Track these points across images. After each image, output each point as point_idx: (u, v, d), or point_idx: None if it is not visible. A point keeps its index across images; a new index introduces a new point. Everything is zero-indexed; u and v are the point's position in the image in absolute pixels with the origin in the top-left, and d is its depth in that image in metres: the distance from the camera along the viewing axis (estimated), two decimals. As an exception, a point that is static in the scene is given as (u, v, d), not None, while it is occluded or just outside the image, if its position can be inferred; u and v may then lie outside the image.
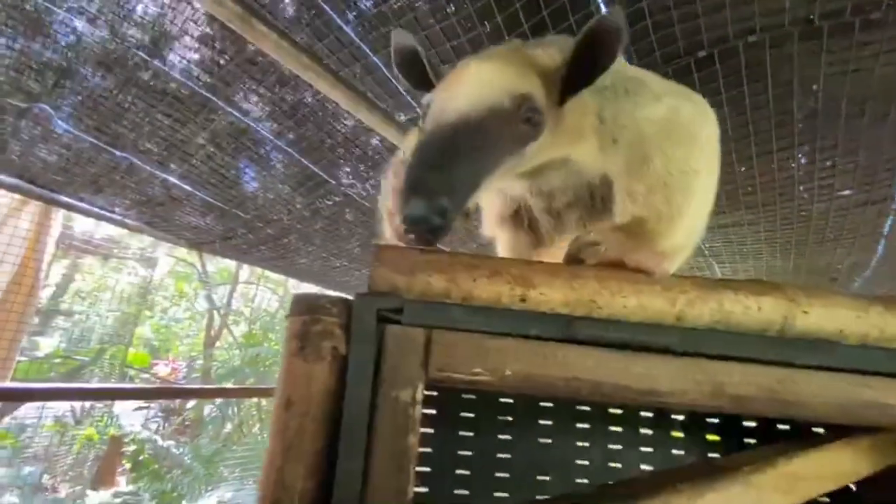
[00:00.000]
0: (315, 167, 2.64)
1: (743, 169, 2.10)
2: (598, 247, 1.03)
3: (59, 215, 3.99)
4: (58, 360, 9.71)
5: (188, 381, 10.76)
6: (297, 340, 0.72)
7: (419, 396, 0.73)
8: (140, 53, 2.00)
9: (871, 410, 0.82)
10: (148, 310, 13.06)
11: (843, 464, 1.19)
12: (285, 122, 2.37)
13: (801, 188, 2.17)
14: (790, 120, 1.82)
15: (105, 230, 11.71)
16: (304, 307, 0.73)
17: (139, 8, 1.77)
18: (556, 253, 1.28)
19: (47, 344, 9.82)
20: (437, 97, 0.87)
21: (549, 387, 0.76)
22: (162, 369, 11.77)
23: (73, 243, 10.65)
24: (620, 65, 1.08)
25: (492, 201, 1.32)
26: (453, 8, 1.59)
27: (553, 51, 1.00)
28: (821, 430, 1.24)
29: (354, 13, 1.72)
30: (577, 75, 0.91)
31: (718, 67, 1.63)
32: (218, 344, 12.49)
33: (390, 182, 0.91)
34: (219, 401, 9.51)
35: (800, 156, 1.98)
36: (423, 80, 1.04)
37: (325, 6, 1.69)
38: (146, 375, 11.43)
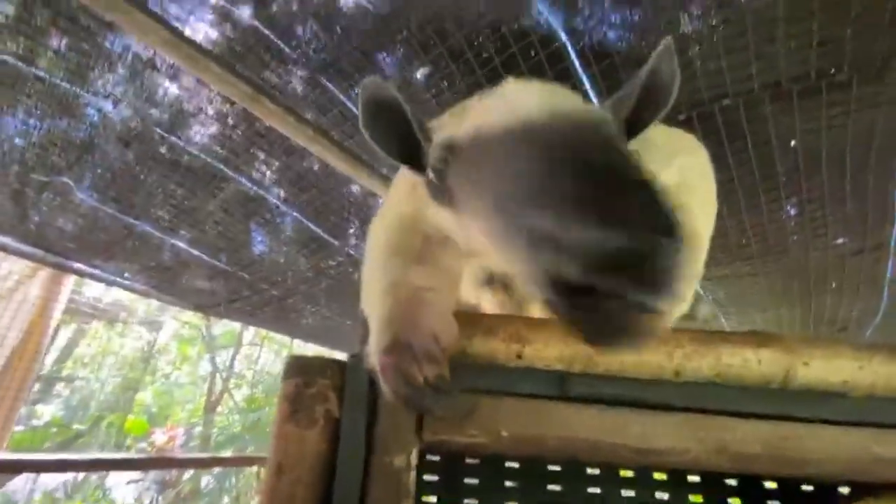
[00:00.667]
0: (320, 230, 2.73)
1: (734, 222, 2.15)
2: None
3: (69, 282, 4.07)
4: (54, 430, 9.42)
5: (186, 449, 10.31)
6: (290, 404, 0.72)
7: (413, 462, 0.72)
8: (158, 130, 2.15)
9: (882, 466, 0.78)
10: (150, 375, 12.86)
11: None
12: (292, 189, 2.49)
13: (795, 238, 2.20)
14: (774, 174, 1.89)
15: (113, 294, 11.84)
16: (298, 369, 0.74)
17: (160, 90, 1.93)
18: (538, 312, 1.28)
19: (47, 411, 9.59)
20: (495, 121, 0.58)
21: (546, 447, 0.75)
22: (159, 437, 11.36)
23: (80, 308, 10.72)
24: None
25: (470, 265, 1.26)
26: (446, 84, 1.73)
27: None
28: (846, 490, 1.18)
29: (355, 91, 1.87)
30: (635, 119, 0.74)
31: (698, 128, 1.73)
32: (219, 409, 12.13)
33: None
34: (216, 471, 9.07)
35: (789, 208, 2.04)
36: (401, 141, 0.75)
37: (328, 85, 1.84)
38: (143, 444, 11.01)
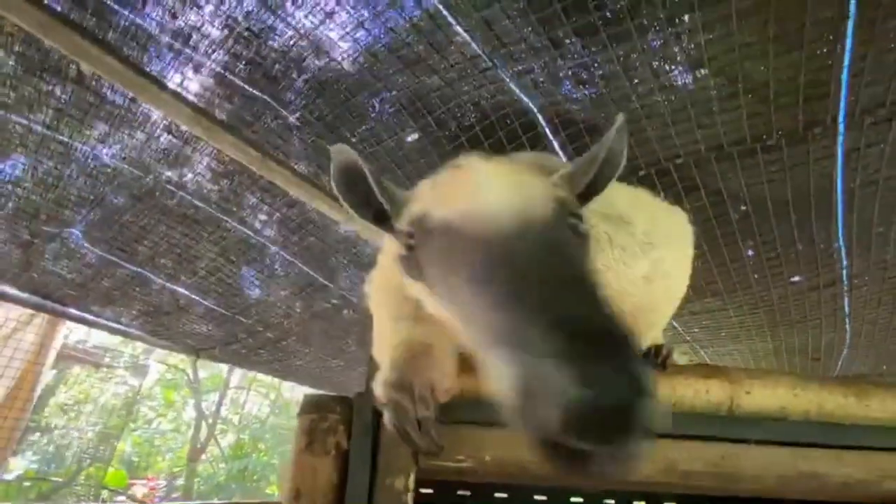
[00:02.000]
0: (315, 273, 2.87)
1: (700, 262, 2.35)
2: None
3: (63, 328, 4.10)
4: (28, 483, 8.98)
5: (168, 501, 9.86)
6: (306, 437, 0.86)
7: (411, 485, 0.85)
8: (168, 186, 2.33)
9: (808, 481, 0.93)
10: (132, 422, 12.42)
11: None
12: (290, 236, 2.65)
13: (756, 276, 2.41)
14: (729, 221, 2.11)
15: (96, 338, 11.61)
16: (312, 406, 0.88)
17: (169, 150, 2.12)
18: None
19: (20, 464, 9.17)
20: (451, 208, 0.65)
21: (525, 470, 0.88)
22: (140, 489, 10.85)
23: (63, 353, 10.48)
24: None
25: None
26: (433, 147, 1.95)
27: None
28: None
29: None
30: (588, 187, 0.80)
31: (658, 183, 1.96)
32: (203, 456, 11.69)
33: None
34: (200, 525, 8.66)
35: (746, 249, 2.25)
36: (366, 200, 0.82)
37: (328, 147, 2.04)
38: (122, 497, 10.49)
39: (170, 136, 2.00)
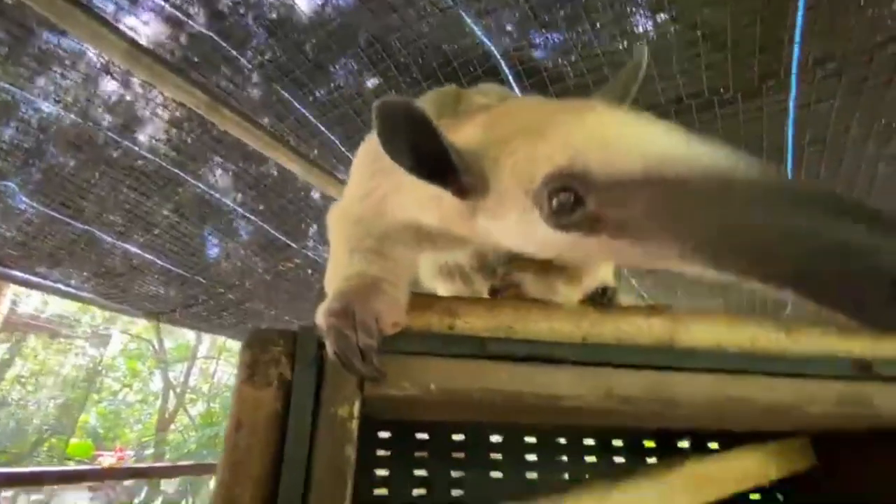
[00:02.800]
0: (277, 233, 2.80)
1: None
2: (518, 288, 1.23)
3: (7, 293, 3.88)
4: (-14, 456, 8.73)
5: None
6: (247, 369, 0.84)
7: (356, 412, 0.85)
8: (110, 134, 2.17)
9: (737, 405, 0.99)
10: (96, 394, 12.13)
11: (750, 467, 1.34)
12: (249, 193, 2.55)
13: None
14: (686, 177, 2.16)
15: (53, 308, 11.14)
16: (255, 340, 0.86)
17: (111, 95, 1.97)
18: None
19: (-25, 438, 8.87)
20: (637, 161, 0.61)
21: (468, 398, 0.90)
22: (107, 460, 10.74)
23: (17, 322, 10.01)
24: None
25: (427, 258, 1.41)
26: (395, 94, 1.88)
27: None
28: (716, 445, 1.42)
29: (311, 98, 1.99)
30: None
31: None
32: (172, 426, 11.61)
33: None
34: (171, 490, 8.68)
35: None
36: (423, 158, 0.74)
37: (284, 93, 1.95)
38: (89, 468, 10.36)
39: (109, 78, 1.86)
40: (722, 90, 1.70)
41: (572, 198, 0.65)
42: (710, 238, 0.57)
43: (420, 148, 0.71)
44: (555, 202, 0.66)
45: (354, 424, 0.85)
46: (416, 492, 1.49)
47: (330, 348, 0.78)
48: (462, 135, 0.80)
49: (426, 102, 1.16)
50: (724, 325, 1.19)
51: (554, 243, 0.74)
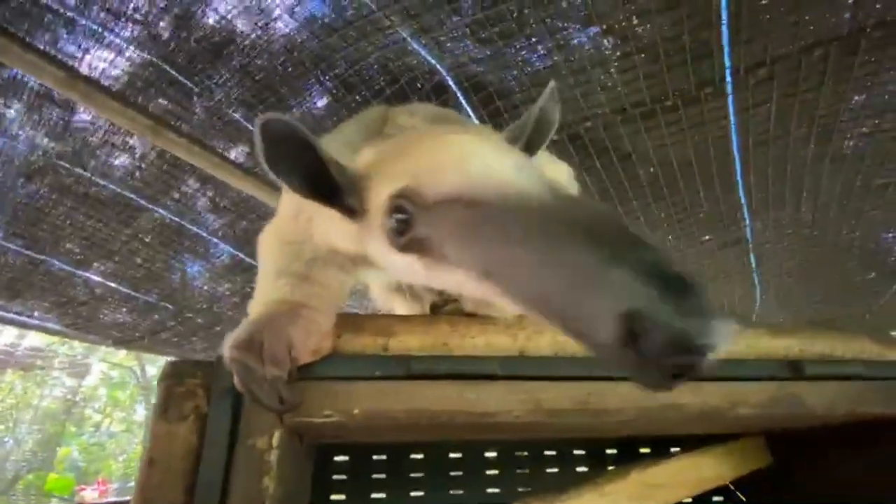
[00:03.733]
0: (241, 254, 2.76)
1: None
2: (457, 303, 1.22)
3: (-30, 326, 3.76)
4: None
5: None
6: (162, 403, 0.82)
7: (275, 443, 0.83)
8: (61, 162, 2.14)
9: (668, 411, 0.99)
10: (74, 426, 11.75)
11: (704, 470, 1.35)
12: (209, 216, 2.52)
13: (671, 237, 2.53)
14: (640, 183, 2.19)
15: (28, 341, 10.82)
16: (170, 373, 0.84)
17: (59, 124, 1.94)
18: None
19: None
20: (456, 181, 0.62)
21: (393, 420, 0.89)
22: (88, 494, 10.36)
23: (-11, 358, 9.69)
24: None
25: (377, 277, 1.39)
26: (345, 112, 1.88)
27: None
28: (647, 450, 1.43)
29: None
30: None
31: (570, 146, 1.99)
32: (157, 456, 11.25)
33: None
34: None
35: (657, 211, 2.35)
36: (303, 174, 0.73)
37: (234, 115, 1.94)
38: (67, 504, 9.97)
39: (51, 105, 1.83)
40: (663, 98, 1.74)
41: (404, 219, 0.65)
42: (493, 262, 0.57)
43: (306, 167, 0.70)
44: (392, 224, 0.67)
45: (274, 455, 0.83)
46: (376, 515, 1.47)
47: (236, 381, 0.77)
48: (362, 158, 0.80)
49: (353, 124, 1.16)
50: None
51: (400, 266, 0.74)
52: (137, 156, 2.17)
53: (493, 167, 0.62)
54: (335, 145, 0.97)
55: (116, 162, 2.21)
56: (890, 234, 2.67)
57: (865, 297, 3.46)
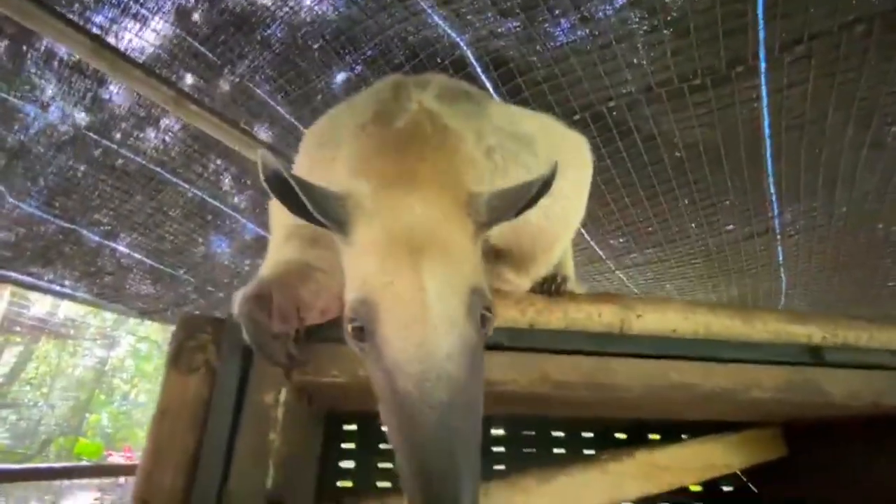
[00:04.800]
0: (261, 229, 2.81)
1: (639, 210, 2.38)
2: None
3: (5, 295, 3.95)
4: (-2, 456, 8.90)
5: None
6: (174, 354, 0.84)
7: (282, 399, 0.85)
8: (90, 134, 2.20)
9: (677, 391, 0.97)
10: (104, 395, 12.31)
11: (713, 457, 1.32)
12: (228, 188, 2.57)
13: (693, 225, 2.46)
14: (664, 168, 2.13)
15: (63, 312, 11.32)
16: (183, 326, 0.86)
17: (88, 95, 1.99)
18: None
19: (-10, 439, 9.05)
20: (385, 292, 0.66)
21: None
22: (116, 460, 10.88)
23: (28, 326, 10.19)
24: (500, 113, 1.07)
25: None
26: (364, 87, 1.88)
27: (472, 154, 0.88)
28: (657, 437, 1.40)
29: (283, 94, 1.99)
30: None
31: (593, 127, 1.94)
32: (180, 426, 11.72)
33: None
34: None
35: (682, 197, 2.28)
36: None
37: (256, 90, 1.96)
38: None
39: (80, 76, 1.88)
40: (691, 76, 1.67)
41: (359, 326, 0.69)
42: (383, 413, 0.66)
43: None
44: (349, 323, 0.71)
45: (280, 412, 0.84)
46: (381, 483, 1.49)
47: (245, 334, 0.78)
48: (355, 186, 0.76)
49: (366, 97, 1.12)
50: (676, 312, 1.17)
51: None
52: (162, 129, 2.22)
53: (430, 344, 0.64)
54: (338, 131, 0.97)
55: (142, 135, 2.27)
56: (930, 230, 2.53)
57: (899, 297, 3.31)
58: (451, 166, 0.81)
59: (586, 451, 1.64)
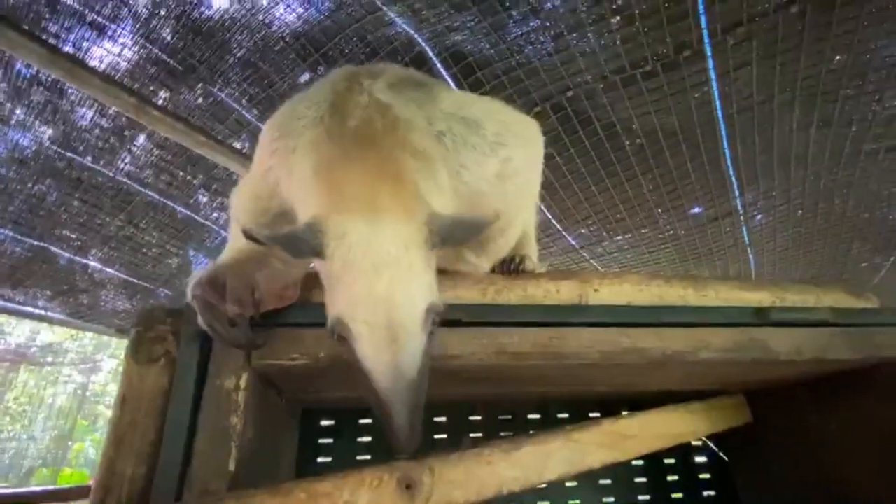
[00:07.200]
0: (235, 237, 2.80)
1: (607, 197, 2.44)
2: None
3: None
4: (-25, 493, 8.56)
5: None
6: (133, 347, 0.85)
7: (243, 384, 0.86)
8: (53, 147, 2.18)
9: (629, 354, 1.00)
10: (87, 421, 11.96)
11: (679, 424, 1.36)
12: (200, 198, 2.56)
13: (659, 210, 2.53)
14: (626, 154, 2.19)
15: (42, 339, 11.00)
16: (142, 318, 0.87)
17: (48, 108, 1.98)
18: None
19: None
20: (359, 303, 0.75)
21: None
22: (102, 488, 10.54)
23: (8, 356, 9.87)
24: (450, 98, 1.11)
25: None
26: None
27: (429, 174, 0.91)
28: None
29: (247, 97, 2.01)
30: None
31: (553, 117, 1.99)
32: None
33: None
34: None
35: (646, 183, 2.35)
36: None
37: (219, 94, 1.96)
38: (85, 501, 10.17)
39: (37, 87, 1.86)
40: (642, 63, 1.74)
41: (342, 337, 0.77)
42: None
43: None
44: (332, 333, 0.78)
45: (241, 396, 0.86)
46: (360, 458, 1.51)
47: (199, 317, 0.79)
48: (318, 209, 0.81)
49: (322, 89, 1.13)
50: (632, 284, 1.22)
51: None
52: (126, 139, 2.20)
53: (400, 365, 0.76)
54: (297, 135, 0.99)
55: (107, 146, 2.25)
56: (884, 204, 2.65)
57: (863, 272, 3.43)
58: (408, 184, 0.84)
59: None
